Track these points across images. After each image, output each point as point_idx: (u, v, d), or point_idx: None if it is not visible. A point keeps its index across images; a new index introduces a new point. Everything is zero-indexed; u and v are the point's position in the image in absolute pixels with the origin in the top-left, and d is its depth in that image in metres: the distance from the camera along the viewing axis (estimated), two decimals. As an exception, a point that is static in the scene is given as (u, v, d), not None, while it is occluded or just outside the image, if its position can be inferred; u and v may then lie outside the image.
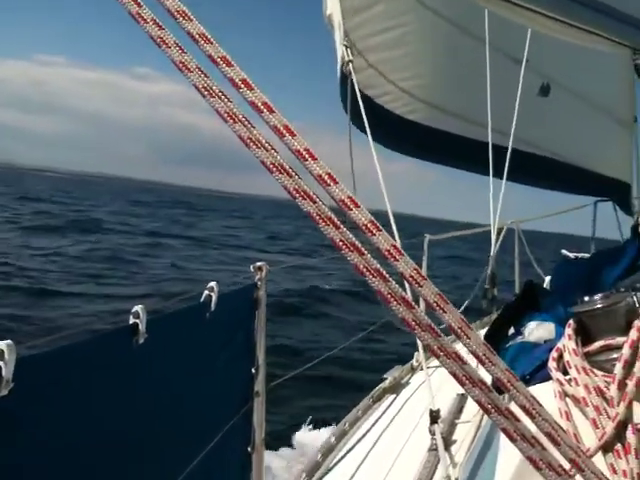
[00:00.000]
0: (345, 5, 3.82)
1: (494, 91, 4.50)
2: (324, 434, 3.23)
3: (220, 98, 0.79)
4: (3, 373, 1.09)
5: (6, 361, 1.09)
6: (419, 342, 3.05)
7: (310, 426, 6.58)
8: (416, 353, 4.13)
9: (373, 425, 3.26)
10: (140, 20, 0.77)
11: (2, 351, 1.09)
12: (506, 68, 4.86)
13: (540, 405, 0.92)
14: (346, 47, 3.51)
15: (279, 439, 5.98)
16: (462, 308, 4.68)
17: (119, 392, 1.58)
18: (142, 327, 1.55)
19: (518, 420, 0.89)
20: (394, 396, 3.67)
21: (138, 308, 1.57)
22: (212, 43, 0.80)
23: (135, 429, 1.66)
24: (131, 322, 1.55)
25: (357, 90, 3.20)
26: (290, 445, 6.13)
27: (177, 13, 0.79)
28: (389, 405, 3.53)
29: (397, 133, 5.15)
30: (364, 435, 3.14)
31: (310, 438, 6.00)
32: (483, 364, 0.89)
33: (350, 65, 3.38)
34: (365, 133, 3.35)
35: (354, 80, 3.30)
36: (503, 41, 4.87)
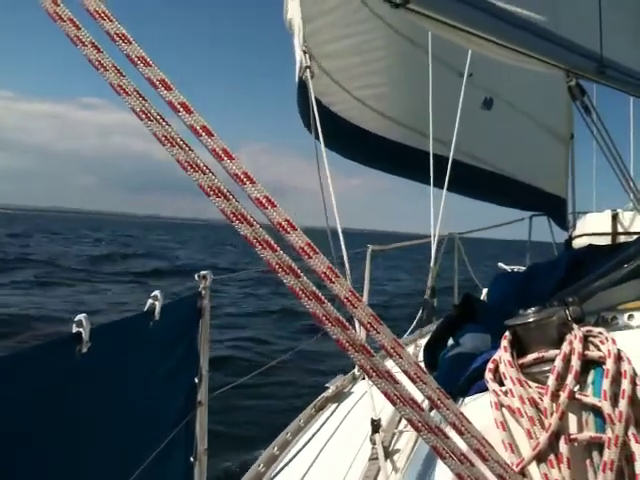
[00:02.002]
0: (305, 10, 3.82)
1: (440, 103, 4.60)
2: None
3: (158, 122, 0.79)
4: None
5: None
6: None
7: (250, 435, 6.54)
8: None
9: (315, 434, 3.27)
10: (78, 43, 0.77)
11: None
12: (452, 81, 4.98)
13: (469, 422, 0.96)
14: (304, 52, 3.50)
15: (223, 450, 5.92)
16: (413, 324, 4.73)
17: (61, 401, 1.55)
18: (85, 336, 1.53)
19: (447, 437, 0.92)
20: (336, 405, 3.69)
21: (81, 317, 1.54)
22: (151, 66, 0.81)
23: (77, 438, 1.64)
24: (74, 331, 1.52)
25: (313, 98, 3.20)
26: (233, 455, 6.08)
27: (116, 36, 0.79)
28: (331, 414, 3.55)
29: (350, 141, 5.21)
30: (306, 445, 3.15)
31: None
32: (415, 382, 0.91)
33: (307, 71, 3.37)
34: (318, 140, 3.35)
35: (310, 87, 3.30)
36: (450, 56, 4.98)
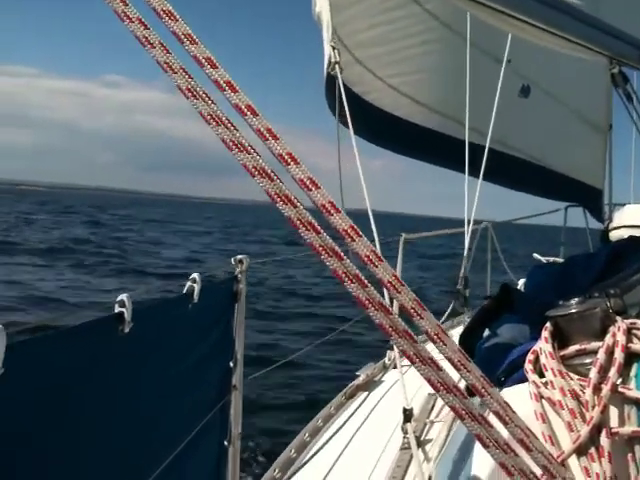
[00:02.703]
0: (334, 1, 3.78)
1: (476, 91, 4.53)
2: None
3: (204, 100, 0.78)
4: None
5: None
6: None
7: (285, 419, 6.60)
8: (389, 351, 4.15)
9: (346, 422, 3.27)
10: (125, 19, 0.76)
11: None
12: (489, 67, 4.89)
13: (513, 412, 0.94)
14: (333, 48, 3.47)
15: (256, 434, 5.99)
16: (445, 315, 4.68)
17: (104, 380, 1.58)
18: (128, 316, 1.55)
19: (491, 426, 0.90)
20: (367, 394, 3.69)
21: (124, 297, 1.56)
22: (197, 44, 0.80)
23: (117, 418, 1.66)
24: (117, 311, 1.55)
25: (342, 90, 3.18)
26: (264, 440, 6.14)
27: (163, 12, 0.78)
28: (362, 403, 3.55)
29: (382, 129, 5.17)
30: (337, 432, 3.15)
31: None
32: (458, 370, 0.90)
33: (337, 67, 3.35)
34: (348, 129, 3.33)
35: (340, 83, 3.27)
36: (487, 41, 4.89)
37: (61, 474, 1.45)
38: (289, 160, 0.83)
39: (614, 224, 3.53)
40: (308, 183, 0.84)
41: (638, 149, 7.39)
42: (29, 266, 19.57)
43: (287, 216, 0.82)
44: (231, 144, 0.80)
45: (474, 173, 4.36)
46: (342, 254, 0.85)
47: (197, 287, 2.04)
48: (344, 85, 3.21)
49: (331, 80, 3.77)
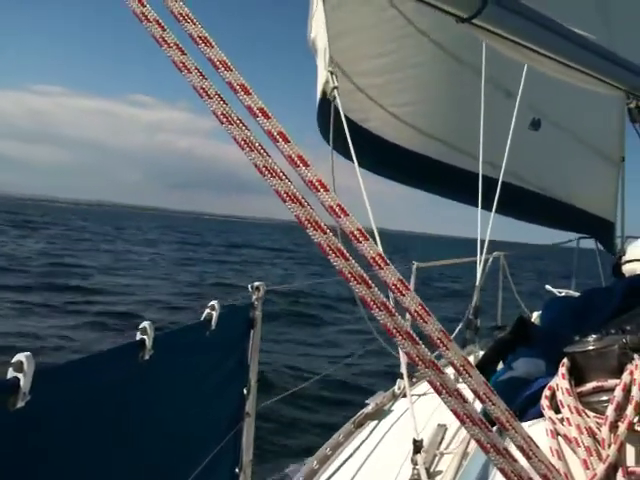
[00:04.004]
0: (332, 28, 3.79)
1: (486, 123, 4.53)
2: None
3: (238, 126, 0.79)
4: (21, 384, 1.11)
5: (25, 373, 1.12)
6: (403, 369, 3.02)
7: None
8: (398, 380, 4.12)
9: (355, 452, 3.23)
10: (163, 44, 0.77)
11: (21, 362, 1.11)
12: (498, 100, 4.91)
13: (537, 446, 0.93)
14: (331, 73, 3.47)
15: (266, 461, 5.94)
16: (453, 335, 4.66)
17: (123, 405, 1.59)
18: (149, 343, 1.57)
19: (516, 461, 0.89)
20: (376, 422, 3.65)
21: (146, 324, 1.59)
22: (232, 70, 0.81)
23: (134, 443, 1.66)
24: (138, 338, 1.57)
25: (342, 116, 3.17)
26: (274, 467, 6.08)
27: (199, 39, 0.79)
28: (371, 432, 3.51)
29: (384, 158, 5.14)
30: (346, 461, 3.11)
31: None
32: (483, 402, 0.89)
33: (335, 91, 3.34)
34: (350, 159, 3.31)
35: (339, 106, 3.26)
36: (497, 73, 4.91)
37: None
38: (319, 187, 0.84)
39: (627, 257, 3.51)
40: (337, 210, 0.85)
41: None
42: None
43: (317, 242, 0.83)
44: (264, 169, 0.80)
45: (485, 205, 4.35)
46: (369, 281, 0.85)
47: (215, 314, 2.04)
48: (345, 117, 3.19)
49: (325, 106, 3.74)
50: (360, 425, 3.62)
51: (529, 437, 0.92)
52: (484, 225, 4.16)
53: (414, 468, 2.63)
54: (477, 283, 3.95)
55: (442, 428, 3.19)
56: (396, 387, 4.18)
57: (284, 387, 3.52)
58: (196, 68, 0.78)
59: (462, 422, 0.87)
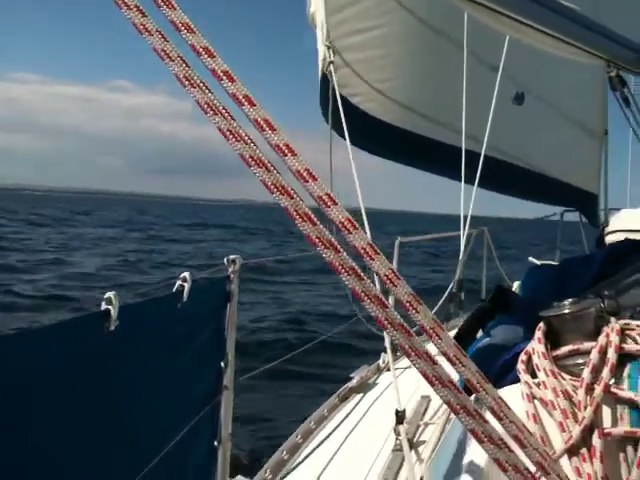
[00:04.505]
0: (329, 2, 3.77)
1: (469, 97, 4.53)
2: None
3: (201, 88, 0.78)
4: None
5: None
6: (387, 343, 3.06)
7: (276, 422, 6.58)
8: (383, 354, 4.16)
9: (339, 424, 3.26)
10: (123, 6, 0.75)
11: None
12: (482, 74, 4.90)
13: (508, 407, 0.93)
14: (328, 47, 3.45)
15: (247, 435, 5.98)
16: (434, 310, 4.71)
17: (89, 377, 1.57)
18: (114, 313, 1.55)
19: (486, 422, 0.89)
20: (361, 396, 3.69)
21: (110, 294, 1.56)
22: (195, 33, 0.79)
23: (104, 417, 1.65)
24: (103, 308, 1.54)
25: (337, 92, 3.17)
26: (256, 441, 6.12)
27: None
28: (355, 405, 3.55)
29: (370, 134, 5.13)
30: (330, 434, 3.14)
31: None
32: (454, 365, 0.89)
33: (331, 66, 3.33)
34: (341, 136, 3.30)
35: (334, 81, 3.26)
36: (480, 47, 4.90)
37: (43, 474, 1.43)
38: (286, 151, 0.83)
39: (610, 228, 3.54)
40: (305, 174, 0.84)
41: (635, 153, 7.44)
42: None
43: (284, 207, 0.82)
44: (228, 133, 0.79)
45: (468, 179, 4.36)
46: (339, 246, 0.85)
47: (187, 286, 2.03)
48: (339, 93, 3.18)
49: (325, 82, 3.74)
50: (345, 399, 3.66)
51: (500, 398, 0.93)
52: (467, 200, 4.19)
53: (397, 438, 2.67)
54: (460, 257, 3.98)
55: (426, 399, 3.23)
56: (381, 361, 4.22)
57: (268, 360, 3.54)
58: (157, 30, 0.77)
59: (431, 384, 0.87)
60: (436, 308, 4.78)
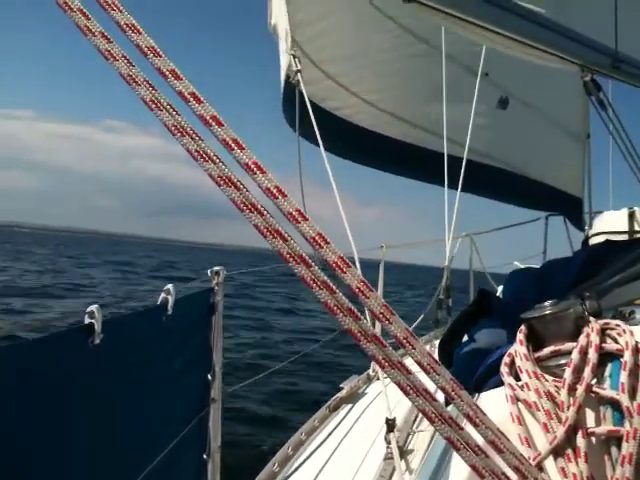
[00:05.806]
0: (295, 16, 3.76)
1: (454, 104, 4.56)
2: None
3: (168, 111, 0.80)
4: None
5: None
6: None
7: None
8: (372, 363, 4.16)
9: (330, 435, 3.26)
10: (88, 33, 0.77)
11: None
12: (465, 81, 4.94)
13: (484, 414, 0.94)
14: (294, 57, 3.44)
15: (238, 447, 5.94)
16: (419, 319, 4.73)
17: (73, 392, 1.56)
18: (98, 327, 1.54)
19: (462, 429, 0.90)
20: (351, 405, 3.69)
21: (93, 308, 1.56)
22: (160, 56, 0.81)
23: (89, 431, 1.64)
24: (87, 322, 1.54)
25: (307, 100, 3.16)
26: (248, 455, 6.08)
27: (126, 26, 0.79)
28: (346, 414, 3.54)
29: (351, 142, 5.15)
30: (320, 445, 3.14)
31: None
32: (428, 373, 0.91)
33: (299, 75, 3.33)
34: (316, 144, 3.30)
35: (303, 90, 3.25)
36: (465, 55, 4.94)
37: None
38: (255, 169, 0.84)
39: (593, 231, 3.57)
40: (275, 191, 0.85)
41: (616, 157, 7.49)
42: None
43: (254, 224, 0.83)
44: (196, 154, 0.81)
45: (454, 185, 4.38)
46: (310, 261, 0.86)
47: (171, 299, 2.03)
48: (309, 101, 3.17)
49: (289, 91, 3.72)
50: (335, 409, 3.66)
51: (475, 405, 0.94)
52: (452, 207, 4.21)
53: (387, 447, 2.67)
54: (446, 263, 3.99)
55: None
56: (370, 370, 4.23)
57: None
58: (123, 55, 0.78)
59: (406, 394, 0.88)
60: (422, 315, 4.81)
